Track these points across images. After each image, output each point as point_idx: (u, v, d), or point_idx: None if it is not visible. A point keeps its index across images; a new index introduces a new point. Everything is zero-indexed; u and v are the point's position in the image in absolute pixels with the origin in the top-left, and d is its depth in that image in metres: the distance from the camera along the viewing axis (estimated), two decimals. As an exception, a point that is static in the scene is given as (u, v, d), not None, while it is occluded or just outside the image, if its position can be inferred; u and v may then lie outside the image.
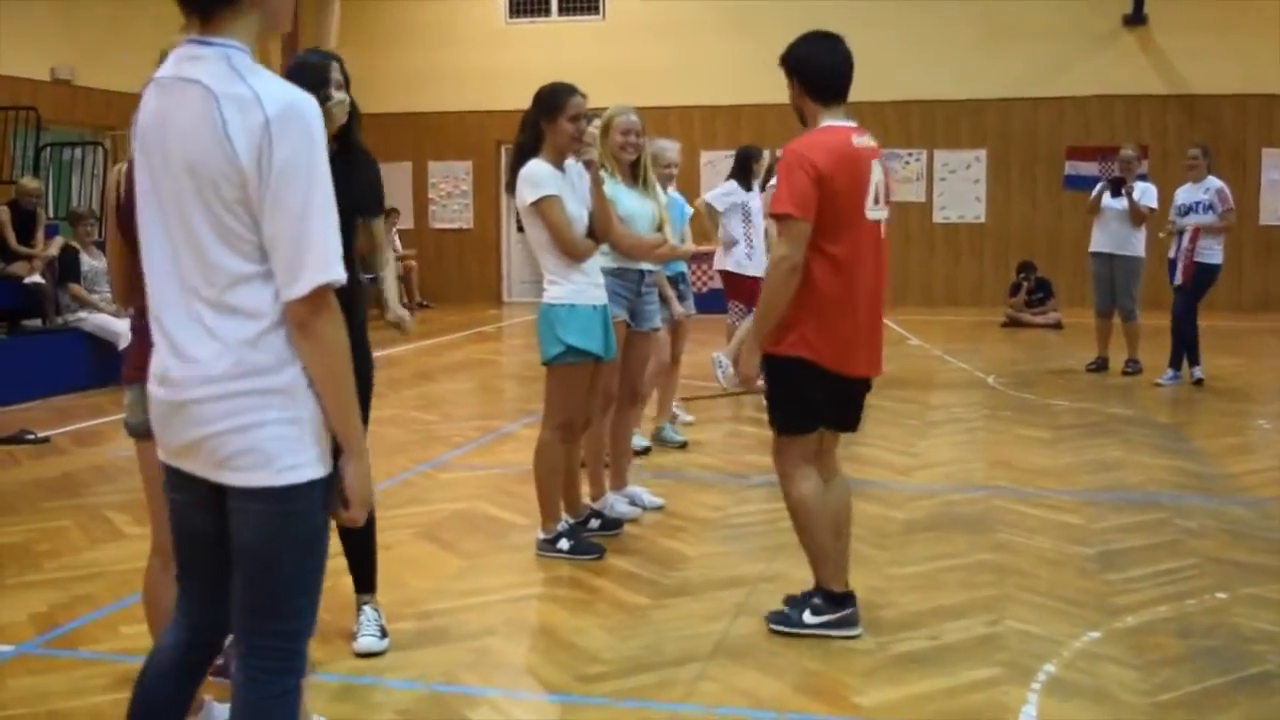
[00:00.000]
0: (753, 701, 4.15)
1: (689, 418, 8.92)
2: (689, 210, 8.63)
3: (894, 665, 4.46)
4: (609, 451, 6.53)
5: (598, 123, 6.34)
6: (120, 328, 10.51)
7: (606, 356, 5.73)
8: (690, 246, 8.22)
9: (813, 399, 4.63)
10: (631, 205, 6.20)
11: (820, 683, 4.30)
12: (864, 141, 4.62)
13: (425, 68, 19.75)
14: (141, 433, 3.53)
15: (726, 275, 9.55)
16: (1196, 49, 17.97)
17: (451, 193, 20.70)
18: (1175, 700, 4.13)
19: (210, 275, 2.53)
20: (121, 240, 3.70)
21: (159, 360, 2.64)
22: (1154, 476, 7.45)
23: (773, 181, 9.12)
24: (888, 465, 7.73)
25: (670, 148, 7.90)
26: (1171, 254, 11.15)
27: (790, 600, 4.87)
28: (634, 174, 6.33)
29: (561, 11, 20.23)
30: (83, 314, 11.50)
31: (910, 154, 19.24)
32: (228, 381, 2.53)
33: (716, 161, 9.32)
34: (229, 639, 2.84)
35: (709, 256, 10.08)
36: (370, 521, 4.66)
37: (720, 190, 9.71)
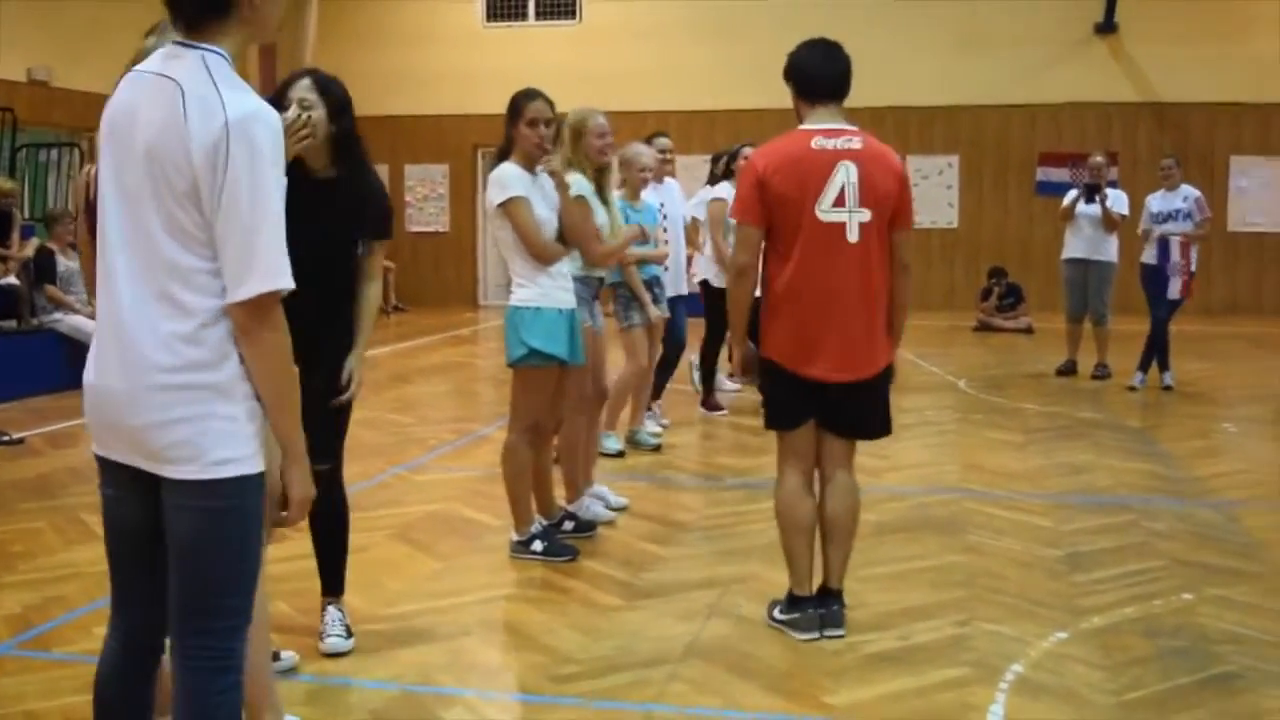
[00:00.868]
0: (725, 702, 4.19)
1: (664, 422, 8.95)
2: (660, 214, 8.65)
3: (864, 665, 4.51)
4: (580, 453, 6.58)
5: (588, 110, 6.33)
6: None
7: (572, 361, 5.75)
8: (663, 250, 8.29)
9: (780, 397, 4.77)
10: (602, 214, 6.29)
11: (791, 683, 4.35)
12: (835, 144, 4.60)
13: (402, 71, 19.74)
14: None
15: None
16: (1166, 57, 18.15)
17: (428, 196, 20.71)
18: (1141, 700, 4.19)
19: (156, 267, 2.58)
20: (91, 239, 3.72)
21: (99, 348, 2.69)
22: (1123, 479, 7.53)
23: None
24: (859, 467, 7.63)
25: (645, 152, 7.94)
26: (1149, 259, 11.23)
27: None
28: (599, 180, 6.36)
29: (539, 15, 20.25)
30: (58, 315, 11.46)
31: (884, 159, 19.30)
32: (165, 374, 2.58)
33: (693, 166, 9.35)
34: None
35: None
36: (343, 526, 4.69)
37: (697, 199, 9.74)
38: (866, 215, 4.57)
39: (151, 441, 2.61)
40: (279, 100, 4.17)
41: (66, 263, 11.60)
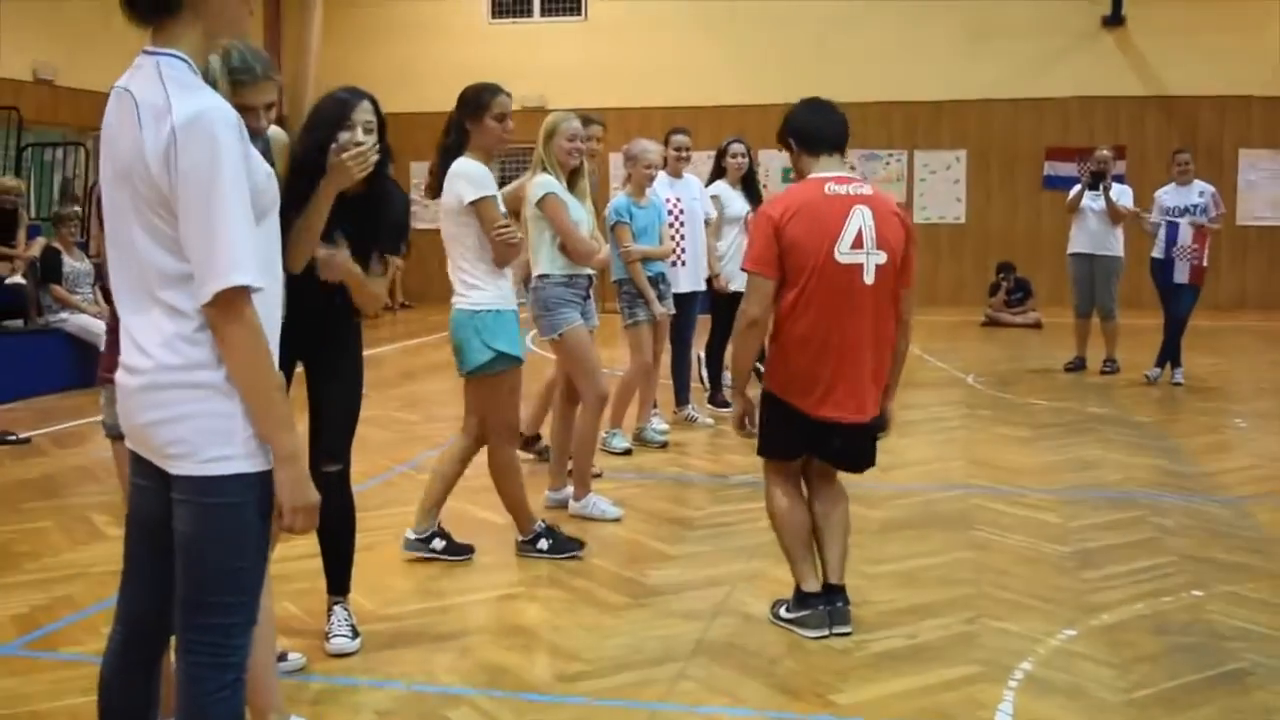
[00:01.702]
0: (732, 700, 4.17)
1: (664, 426, 8.82)
2: (674, 210, 8.62)
3: (872, 663, 4.50)
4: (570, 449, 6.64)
5: (562, 115, 6.36)
6: (101, 329, 10.49)
7: (522, 360, 5.60)
8: (668, 246, 8.27)
9: (781, 431, 4.81)
10: (576, 212, 6.29)
11: (799, 681, 4.33)
12: (848, 190, 4.67)
13: (407, 67, 19.70)
14: (117, 433, 3.54)
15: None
16: (1174, 50, 18.10)
17: (431, 192, 20.67)
18: (1151, 697, 4.17)
19: (149, 274, 2.63)
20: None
21: (124, 350, 2.74)
22: (1131, 475, 7.50)
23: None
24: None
25: (651, 149, 7.92)
26: (1159, 254, 11.21)
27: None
28: (572, 181, 6.37)
29: (544, 12, 20.22)
30: (64, 315, 11.46)
31: (891, 155, 19.30)
32: (166, 373, 2.62)
33: (699, 162, 9.39)
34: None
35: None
36: (349, 526, 4.68)
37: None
38: (883, 257, 4.63)
39: (154, 438, 2.66)
40: (339, 117, 4.14)
41: (72, 262, 11.61)
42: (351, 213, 4.19)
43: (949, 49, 18.66)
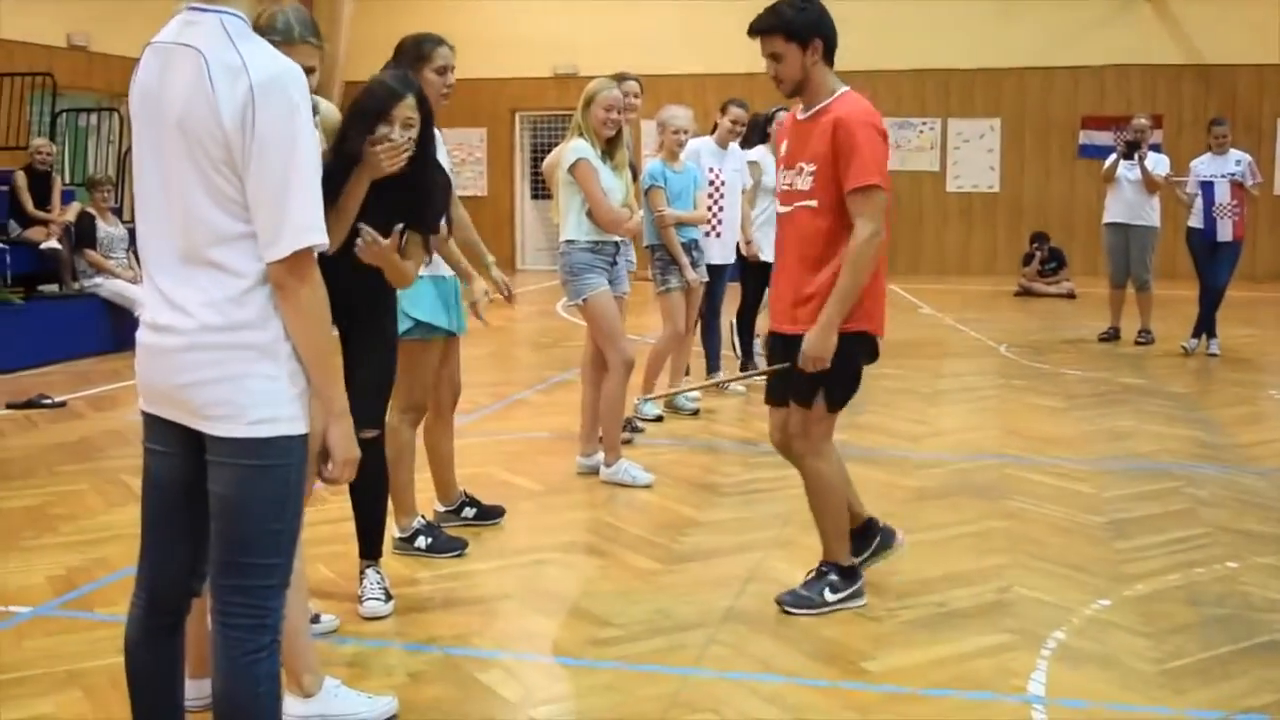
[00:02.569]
0: (763, 666, 4.18)
1: (695, 394, 8.76)
2: (714, 178, 8.55)
3: (905, 632, 4.49)
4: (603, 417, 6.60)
5: (604, 82, 6.36)
6: (136, 293, 10.55)
7: (460, 332, 5.31)
8: (703, 213, 8.22)
9: (858, 374, 4.60)
10: (607, 180, 6.27)
11: (831, 649, 4.33)
12: None
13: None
14: None
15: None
16: (1212, 18, 17.88)
17: (465, 160, 20.64)
18: (1184, 668, 4.15)
19: (199, 231, 2.61)
20: None
21: (150, 309, 2.72)
22: (1166, 446, 7.45)
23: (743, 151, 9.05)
24: (899, 433, 7.74)
25: (680, 115, 7.88)
26: (1195, 224, 11.11)
27: (807, 582, 4.74)
28: (610, 150, 6.35)
29: (574, -20, 20.13)
30: (99, 279, 11.53)
31: (924, 123, 19.17)
32: (211, 333, 2.61)
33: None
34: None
35: None
36: (382, 490, 4.70)
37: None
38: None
39: (195, 399, 2.64)
40: (381, 111, 4.13)
41: (107, 228, 11.67)
42: (390, 196, 4.18)
43: (984, 16, 18.49)
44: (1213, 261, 11.05)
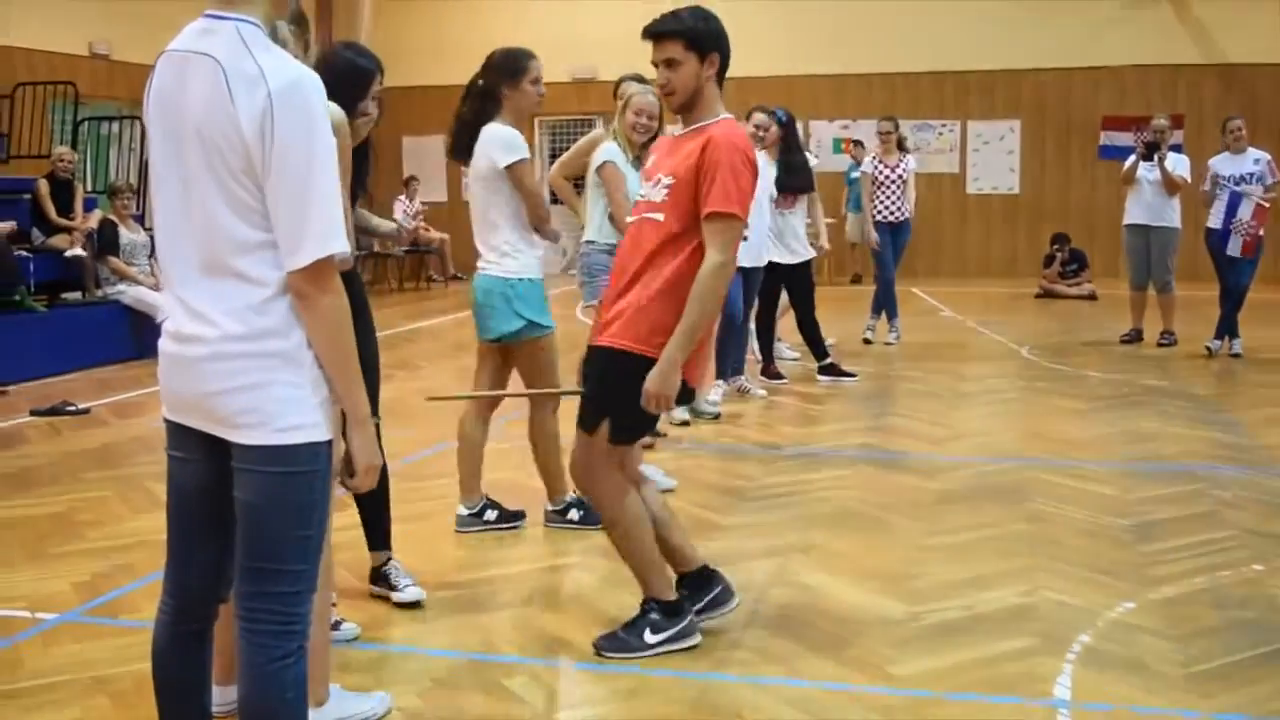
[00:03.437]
0: (787, 671, 4.17)
1: (716, 398, 8.82)
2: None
3: (928, 636, 4.48)
4: None
5: (638, 87, 6.39)
6: (158, 300, 10.60)
7: (551, 329, 5.60)
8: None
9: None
10: (634, 185, 6.28)
11: (854, 653, 4.32)
12: None
13: (456, 40, 19.59)
14: None
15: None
16: (1233, 18, 17.80)
17: (484, 165, 20.67)
18: (1210, 672, 4.13)
19: (220, 241, 2.62)
20: None
21: (173, 319, 2.73)
22: (1189, 448, 7.42)
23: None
24: (921, 436, 7.73)
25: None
26: (1214, 224, 11.06)
27: (627, 624, 4.38)
28: (642, 156, 6.38)
29: (588, -17, 20.14)
30: (122, 287, 11.59)
31: (944, 125, 19.11)
32: (235, 342, 2.62)
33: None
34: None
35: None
36: (385, 478, 4.67)
37: None
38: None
39: (220, 408, 2.65)
40: (362, 86, 4.23)
41: (129, 234, 11.74)
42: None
43: (1002, 16, 18.41)
44: (1231, 266, 11.00)
